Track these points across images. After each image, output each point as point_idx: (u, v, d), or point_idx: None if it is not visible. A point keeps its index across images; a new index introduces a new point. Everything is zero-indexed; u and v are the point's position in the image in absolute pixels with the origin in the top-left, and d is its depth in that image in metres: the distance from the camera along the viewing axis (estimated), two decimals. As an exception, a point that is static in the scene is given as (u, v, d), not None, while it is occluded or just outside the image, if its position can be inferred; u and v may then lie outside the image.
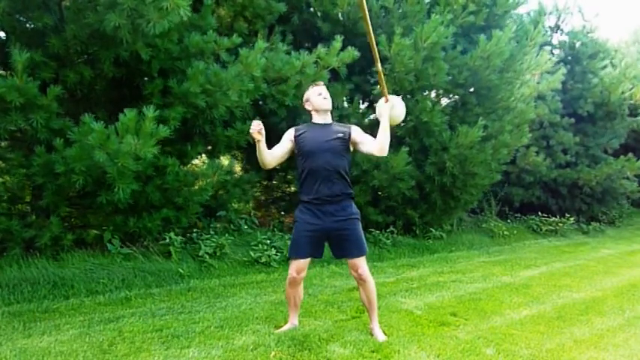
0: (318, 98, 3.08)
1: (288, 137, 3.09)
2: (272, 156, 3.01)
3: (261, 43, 4.83)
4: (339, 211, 2.98)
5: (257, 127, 2.80)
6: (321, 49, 5.43)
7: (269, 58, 5.07)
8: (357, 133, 3.07)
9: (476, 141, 6.55)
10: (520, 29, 7.16)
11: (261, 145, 2.88)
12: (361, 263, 3.03)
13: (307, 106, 3.16)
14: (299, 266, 3.02)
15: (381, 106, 3.07)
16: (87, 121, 3.81)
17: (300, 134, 3.06)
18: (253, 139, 2.86)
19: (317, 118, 3.11)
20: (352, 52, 5.58)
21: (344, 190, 3.01)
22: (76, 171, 3.87)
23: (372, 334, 3.14)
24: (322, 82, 3.16)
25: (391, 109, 3.02)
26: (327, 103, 3.08)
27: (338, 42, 5.47)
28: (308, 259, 3.04)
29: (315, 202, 2.98)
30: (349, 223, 3.00)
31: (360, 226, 3.07)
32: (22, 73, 3.67)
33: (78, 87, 4.35)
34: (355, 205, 3.09)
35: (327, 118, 3.12)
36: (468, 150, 6.62)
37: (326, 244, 3.11)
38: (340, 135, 3.01)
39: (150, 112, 3.88)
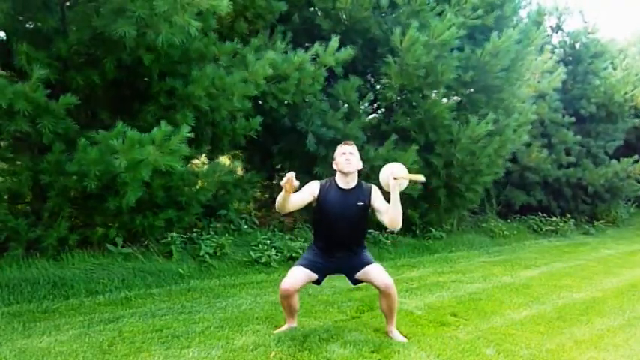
0: (341, 159, 3.01)
1: (310, 191, 3.02)
2: (291, 204, 2.89)
3: (271, 53, 4.88)
4: (351, 257, 3.07)
5: (289, 178, 2.64)
6: (317, 46, 5.43)
7: (271, 61, 5.08)
8: (375, 199, 3.03)
9: (483, 134, 6.61)
10: (522, 31, 7.18)
11: (286, 196, 2.75)
12: (382, 275, 2.97)
13: (334, 165, 3.09)
14: (294, 284, 2.94)
15: (389, 179, 2.90)
16: (120, 129, 3.85)
17: (323, 195, 3.01)
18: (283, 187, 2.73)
19: (340, 181, 3.04)
20: (349, 51, 5.58)
21: (358, 244, 3.10)
22: (90, 175, 3.88)
23: (389, 336, 3.13)
24: (351, 142, 3.09)
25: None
26: (350, 166, 3.00)
27: (335, 41, 5.49)
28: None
29: (327, 250, 3.06)
30: (361, 265, 3.04)
31: (367, 253, 3.14)
32: (36, 83, 3.70)
33: (79, 89, 4.35)
34: (366, 249, 3.17)
35: (351, 181, 3.03)
36: (475, 144, 6.67)
37: None
38: (360, 204, 3.00)
39: (184, 130, 3.99)
